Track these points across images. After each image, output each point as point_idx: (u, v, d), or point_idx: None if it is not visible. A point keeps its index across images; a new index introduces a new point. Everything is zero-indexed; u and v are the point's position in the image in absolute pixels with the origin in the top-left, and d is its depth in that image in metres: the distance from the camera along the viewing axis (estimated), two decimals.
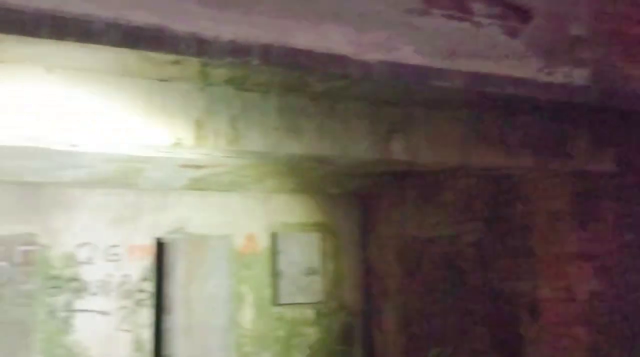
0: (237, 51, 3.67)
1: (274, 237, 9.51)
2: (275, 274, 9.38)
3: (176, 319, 9.02)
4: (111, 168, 6.83)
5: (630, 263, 5.00)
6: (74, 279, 7.97)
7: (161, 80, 3.91)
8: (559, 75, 5.02)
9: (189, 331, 9.18)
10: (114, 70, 3.69)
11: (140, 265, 8.40)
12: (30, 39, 2.99)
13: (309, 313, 9.42)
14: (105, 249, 8.22)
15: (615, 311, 5.05)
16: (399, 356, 8.95)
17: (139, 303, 8.31)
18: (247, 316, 8.96)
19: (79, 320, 7.94)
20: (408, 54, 4.27)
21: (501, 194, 6.83)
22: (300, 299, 10.58)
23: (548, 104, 5.01)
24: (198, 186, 8.31)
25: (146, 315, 8.33)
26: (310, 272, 10.67)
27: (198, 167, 6.59)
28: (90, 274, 8.06)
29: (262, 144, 4.17)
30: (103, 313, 8.09)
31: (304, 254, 10.93)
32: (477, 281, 7.26)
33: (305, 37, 3.99)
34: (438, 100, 4.72)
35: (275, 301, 9.30)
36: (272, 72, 3.94)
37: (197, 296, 11.74)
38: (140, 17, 3.18)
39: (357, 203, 10.04)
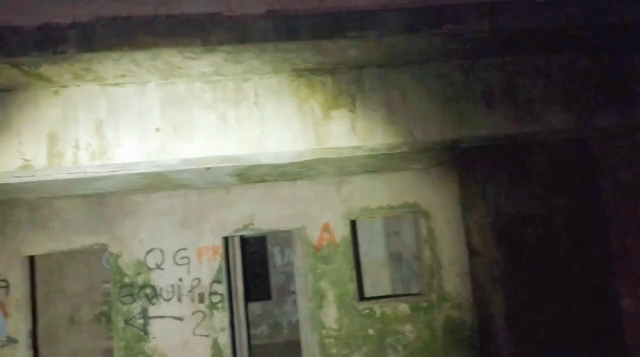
0: (46, 41, 2.82)
1: (353, 225, 8.47)
2: (357, 266, 8.36)
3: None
4: (142, 178, 6.46)
5: None
6: (146, 285, 7.92)
7: (2, 91, 3.22)
8: None
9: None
10: None
11: (209, 267, 8.05)
12: None
13: (403, 308, 8.22)
14: (173, 253, 8.03)
15: None
16: None
17: (212, 307, 7.99)
18: (330, 314, 8.10)
19: (155, 327, 7.88)
20: None
21: (591, 162, 4.94)
22: (392, 292, 9.43)
23: (582, 33, 3.22)
24: (252, 179, 7.62)
25: (220, 319, 7.97)
26: (402, 260, 9.45)
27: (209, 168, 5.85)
28: (161, 280, 7.95)
29: (140, 153, 3.25)
30: (178, 318, 7.94)
31: (389, 241, 9.71)
32: (575, 272, 5.47)
33: None
34: (387, 55, 3.29)
35: (361, 296, 8.30)
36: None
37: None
38: None
39: (450, 178, 8.47)
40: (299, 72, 3.40)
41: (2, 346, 7.55)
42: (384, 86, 3.41)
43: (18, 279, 7.72)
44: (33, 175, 3.26)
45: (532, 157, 6.29)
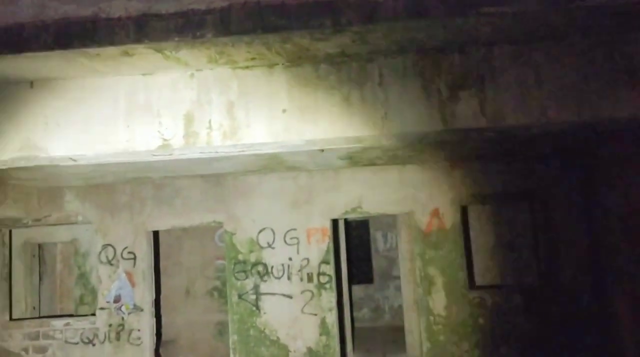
0: (186, 26, 2.98)
1: (464, 211, 8.24)
2: (468, 254, 8.14)
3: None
4: (258, 160, 6.69)
5: None
6: (258, 263, 8.23)
7: (145, 74, 3.44)
8: None
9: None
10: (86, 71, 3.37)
11: (318, 248, 8.20)
12: None
13: (516, 298, 7.92)
14: (283, 233, 8.26)
15: None
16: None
17: (321, 287, 8.15)
18: (439, 300, 7.98)
19: (266, 303, 8.18)
20: None
21: None
22: (504, 282, 9.07)
23: None
24: (361, 162, 7.63)
25: (328, 299, 8.12)
26: (513, 249, 9.04)
27: (321, 150, 5.94)
28: (272, 258, 8.22)
29: (268, 133, 3.36)
30: (288, 296, 8.18)
31: (504, 229, 9.31)
32: None
33: None
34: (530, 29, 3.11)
35: (471, 284, 8.08)
36: (248, 42, 3.10)
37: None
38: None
39: (572, 164, 7.97)
40: (425, 52, 3.33)
41: (130, 313, 8.20)
42: (516, 64, 3.25)
43: (144, 252, 8.32)
44: (171, 154, 3.48)
45: None
